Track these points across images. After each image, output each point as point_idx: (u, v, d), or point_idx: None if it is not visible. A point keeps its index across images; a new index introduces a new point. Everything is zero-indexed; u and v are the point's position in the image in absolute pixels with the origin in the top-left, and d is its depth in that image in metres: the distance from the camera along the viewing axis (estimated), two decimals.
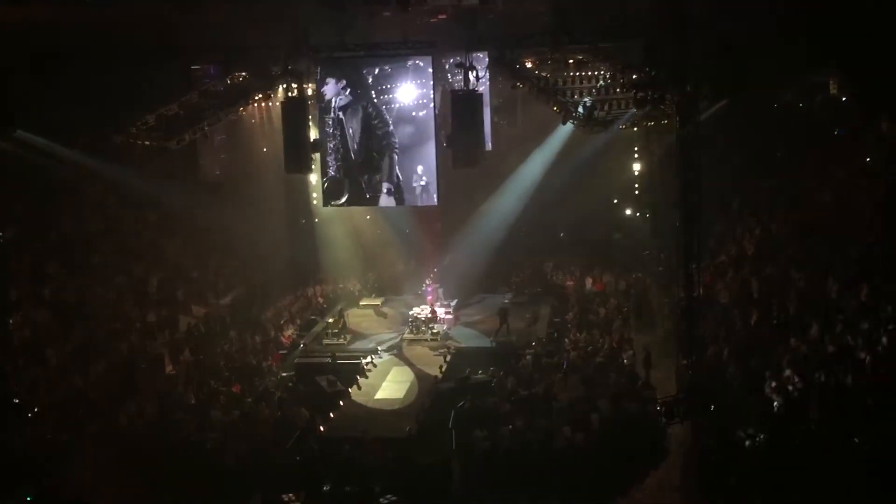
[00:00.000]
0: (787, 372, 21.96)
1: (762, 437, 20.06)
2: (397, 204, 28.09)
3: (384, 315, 34.48)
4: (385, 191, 26.75)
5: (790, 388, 21.41)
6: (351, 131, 26.36)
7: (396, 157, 26.26)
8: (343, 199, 27.42)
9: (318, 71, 26.39)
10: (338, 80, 26.08)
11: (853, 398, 20.08)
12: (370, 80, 25.88)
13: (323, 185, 27.61)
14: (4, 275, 24.80)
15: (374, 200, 27.39)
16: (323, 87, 26.33)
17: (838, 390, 20.57)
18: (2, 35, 23.60)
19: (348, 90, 26.17)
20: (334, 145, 26.53)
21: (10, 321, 24.88)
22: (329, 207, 30.43)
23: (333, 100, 26.32)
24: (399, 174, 26.45)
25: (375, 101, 25.99)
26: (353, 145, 26.42)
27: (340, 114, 26.32)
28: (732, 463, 19.91)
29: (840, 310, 24.22)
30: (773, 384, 21.78)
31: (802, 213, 30.24)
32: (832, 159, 31.60)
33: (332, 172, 26.91)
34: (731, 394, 22.98)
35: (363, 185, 26.76)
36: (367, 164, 26.56)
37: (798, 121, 33.64)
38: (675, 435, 23.18)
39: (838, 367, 21.34)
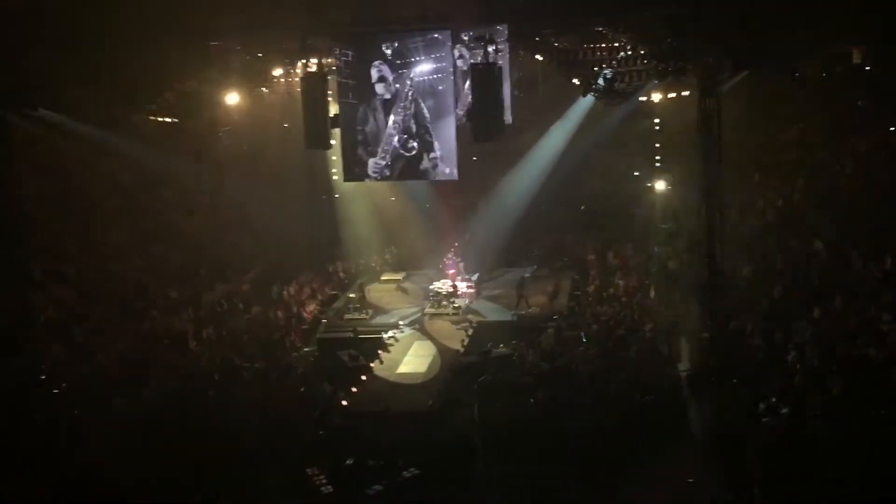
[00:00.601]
0: (811, 345, 21.89)
1: (784, 410, 20.01)
2: (417, 179, 28.03)
3: (405, 290, 34.54)
4: (405, 165, 26.65)
5: (813, 360, 21.35)
6: (372, 106, 26.25)
7: (415, 131, 26.14)
8: (364, 175, 27.35)
9: (339, 48, 26.25)
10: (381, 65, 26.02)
11: (875, 370, 19.99)
12: (389, 54, 25.75)
13: (344, 160, 27.54)
14: (27, 253, 24.94)
15: (395, 175, 27.31)
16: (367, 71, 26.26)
17: (860, 362, 20.49)
18: (22, 14, 23.66)
19: (367, 65, 26.04)
20: (355, 120, 26.40)
21: (35, 299, 25.04)
22: (349, 183, 30.47)
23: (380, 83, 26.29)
24: (419, 148, 26.34)
25: (395, 76, 25.87)
26: (374, 120, 26.32)
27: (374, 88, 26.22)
28: (754, 436, 19.88)
29: (863, 281, 24.10)
30: (796, 357, 21.72)
31: (824, 185, 30.04)
32: (854, 130, 31.34)
33: (354, 147, 26.80)
34: (753, 367, 22.92)
35: (384, 160, 26.68)
36: (387, 138, 26.47)
37: (819, 91, 33.32)
38: (695, 409, 23.15)
39: (861, 340, 21.26)
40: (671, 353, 25.66)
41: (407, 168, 26.70)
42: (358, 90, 26.13)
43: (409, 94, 25.84)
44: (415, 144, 26.19)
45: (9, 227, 24.27)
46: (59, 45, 24.20)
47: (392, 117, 26.10)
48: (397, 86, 25.80)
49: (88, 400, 23.97)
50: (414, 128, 26.07)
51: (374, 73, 25.78)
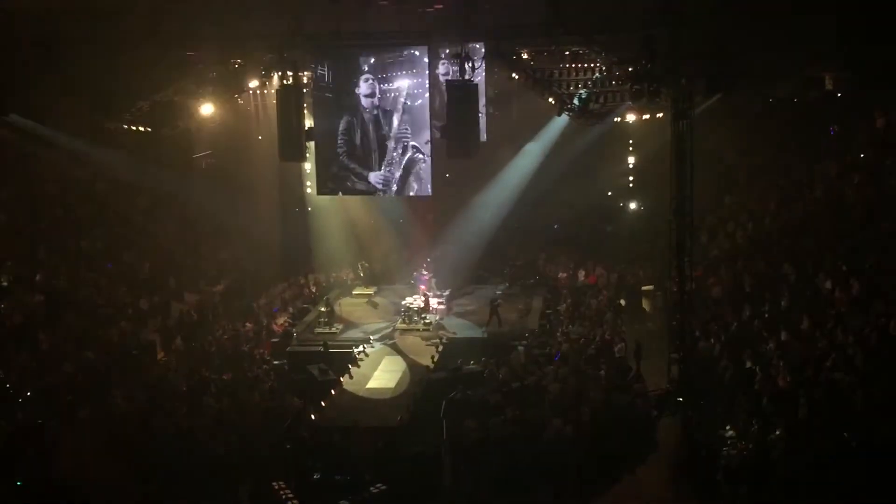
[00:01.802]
0: (778, 367, 22.05)
1: (752, 431, 20.13)
2: (392, 194, 28.02)
3: (377, 304, 34.47)
4: (379, 180, 26.67)
5: (780, 383, 21.51)
6: (347, 121, 26.23)
7: (390, 146, 26.16)
8: (337, 189, 27.34)
9: (316, 60, 26.25)
10: (333, 69, 25.98)
11: (843, 394, 20.17)
12: (365, 69, 25.78)
13: (318, 173, 27.52)
14: None
15: (368, 190, 27.30)
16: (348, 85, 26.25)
17: (827, 385, 20.66)
18: None
19: (346, 79, 26.04)
20: (332, 134, 26.37)
21: (2, 306, 24.80)
22: (322, 196, 30.39)
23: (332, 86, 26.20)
24: (393, 164, 26.37)
25: (372, 91, 25.89)
26: (352, 135, 26.29)
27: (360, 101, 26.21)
28: (721, 457, 19.99)
29: (831, 305, 24.33)
30: (764, 379, 21.89)
31: (795, 209, 30.34)
32: (825, 155, 31.71)
33: (328, 161, 26.77)
34: (721, 388, 23.06)
35: (358, 175, 26.67)
36: (362, 153, 26.45)
37: (792, 116, 33.68)
38: (665, 428, 23.26)
39: (828, 363, 21.45)
40: (640, 372, 25.76)
41: (380, 183, 26.74)
42: (336, 103, 26.11)
43: (390, 108, 25.88)
44: (389, 160, 26.21)
45: None
46: (33, 52, 24.07)
47: (367, 132, 26.12)
48: (380, 99, 25.81)
49: (53, 408, 23.77)
50: (389, 144, 26.11)
51: (364, 87, 25.77)
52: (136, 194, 34.04)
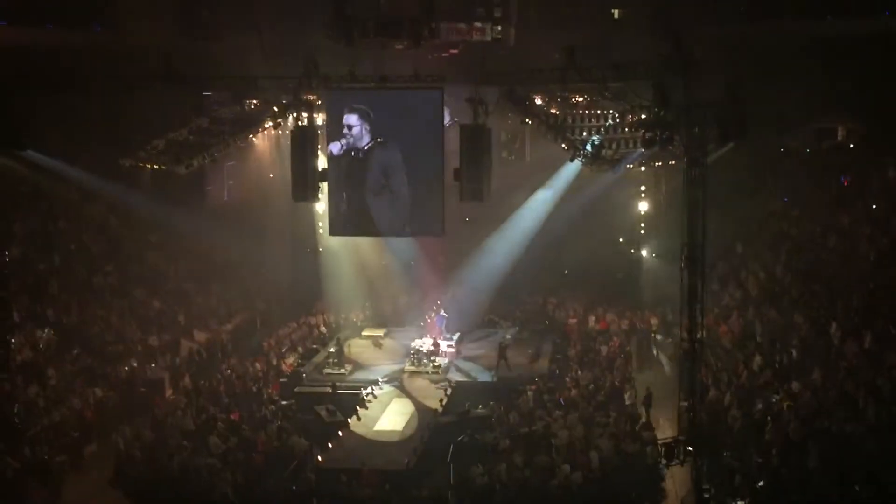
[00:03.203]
0: (789, 417, 21.91)
1: (761, 482, 19.96)
2: (404, 235, 28.02)
3: (386, 346, 34.41)
4: (391, 221, 26.69)
5: (791, 433, 21.35)
6: (361, 162, 26.27)
7: (405, 188, 26.21)
8: (350, 229, 27.38)
9: (331, 102, 26.38)
10: (351, 112, 26.00)
11: (854, 445, 20.01)
12: (381, 112, 25.88)
13: (330, 214, 27.57)
14: (7, 294, 24.79)
15: (380, 231, 27.33)
16: (340, 118, 26.21)
17: (838, 437, 20.50)
18: (17, 57, 23.80)
19: (361, 122, 26.13)
20: (345, 175, 26.42)
21: (13, 340, 24.82)
22: (334, 237, 30.42)
23: (349, 145, 26.18)
24: (407, 206, 26.40)
25: (385, 133, 25.95)
26: (363, 176, 26.32)
27: (355, 144, 26.16)
28: None
29: (843, 356, 24.21)
30: (774, 429, 21.73)
31: (807, 258, 30.29)
32: (837, 205, 31.70)
33: (340, 201, 26.82)
34: (731, 437, 22.90)
35: (371, 216, 26.70)
36: (376, 194, 26.51)
37: (804, 165, 33.74)
38: (674, 477, 23.06)
39: (838, 414, 21.30)
40: (650, 420, 25.61)
41: (392, 224, 26.76)
42: (350, 144, 26.15)
43: (398, 152, 25.93)
44: (404, 202, 26.22)
45: None
46: (50, 89, 24.30)
47: (381, 173, 26.16)
48: (388, 143, 25.86)
49: (61, 444, 23.73)
50: (404, 187, 26.14)
51: (365, 127, 25.81)
52: (149, 231, 34.18)
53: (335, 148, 25.45)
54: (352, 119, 25.49)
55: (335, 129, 25.94)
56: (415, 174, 26.02)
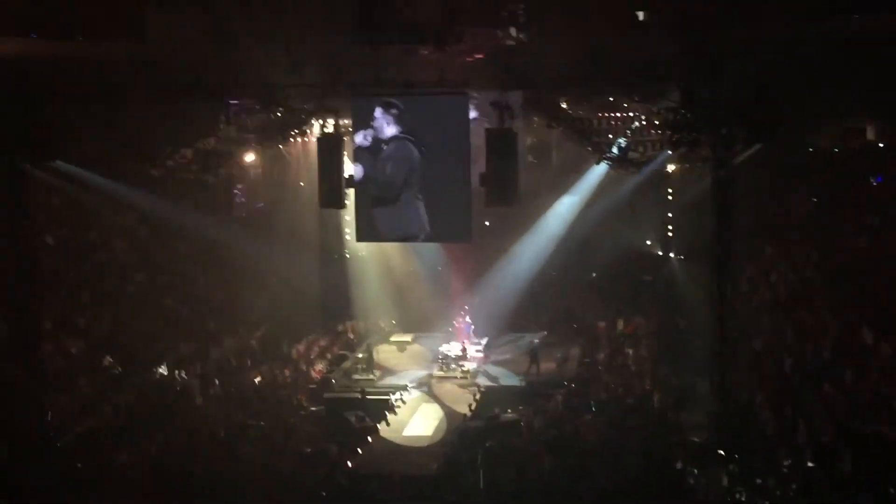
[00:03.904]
0: (821, 420, 21.72)
1: (793, 486, 19.80)
2: (432, 241, 27.97)
3: (414, 351, 34.45)
4: (420, 227, 26.65)
5: (823, 436, 21.16)
6: (389, 168, 26.25)
7: (431, 195, 26.14)
8: (377, 235, 27.38)
9: (357, 108, 26.40)
10: (380, 118, 25.94)
11: (888, 448, 19.81)
12: (406, 117, 25.85)
13: (357, 220, 27.58)
14: (39, 304, 25.02)
15: (409, 237, 27.33)
16: (367, 124, 26.18)
17: (872, 440, 20.30)
18: (47, 69, 24.03)
19: (384, 114, 26.05)
20: (373, 181, 26.41)
21: (44, 349, 25.05)
22: (362, 243, 30.49)
23: (373, 137, 26.12)
24: (434, 212, 26.34)
25: (412, 138, 25.91)
26: (391, 181, 26.29)
27: (383, 149, 26.11)
28: None
29: (875, 357, 23.98)
30: (806, 433, 21.55)
31: (837, 259, 30.02)
32: (868, 206, 31.40)
33: (368, 208, 26.80)
34: (762, 442, 22.73)
35: (400, 221, 26.67)
36: (404, 200, 26.48)
37: (834, 166, 33.45)
38: (704, 481, 22.91)
39: (873, 417, 21.09)
40: (680, 424, 25.45)
41: (421, 230, 26.68)
42: (373, 150, 26.13)
43: (424, 157, 25.86)
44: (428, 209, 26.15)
45: (24, 278, 24.33)
46: (79, 99, 24.52)
47: (409, 179, 26.09)
48: (415, 148, 25.80)
49: (92, 453, 23.91)
50: (430, 193, 26.06)
51: (392, 135, 25.75)
52: (178, 240, 34.42)
53: (359, 137, 25.44)
54: (377, 112, 25.51)
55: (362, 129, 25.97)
56: (442, 179, 25.97)
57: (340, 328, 36.14)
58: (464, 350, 31.86)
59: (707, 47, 22.00)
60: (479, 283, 36.49)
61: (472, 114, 25.98)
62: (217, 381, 29.50)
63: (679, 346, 32.85)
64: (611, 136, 26.30)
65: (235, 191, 35.47)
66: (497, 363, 32.44)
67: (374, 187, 25.96)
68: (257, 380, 29.86)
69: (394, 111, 25.27)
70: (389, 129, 25.19)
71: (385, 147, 25.38)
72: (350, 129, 26.71)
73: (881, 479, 18.93)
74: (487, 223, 34.75)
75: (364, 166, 25.79)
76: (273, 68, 24.78)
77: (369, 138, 25.27)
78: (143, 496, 21.91)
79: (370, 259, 36.46)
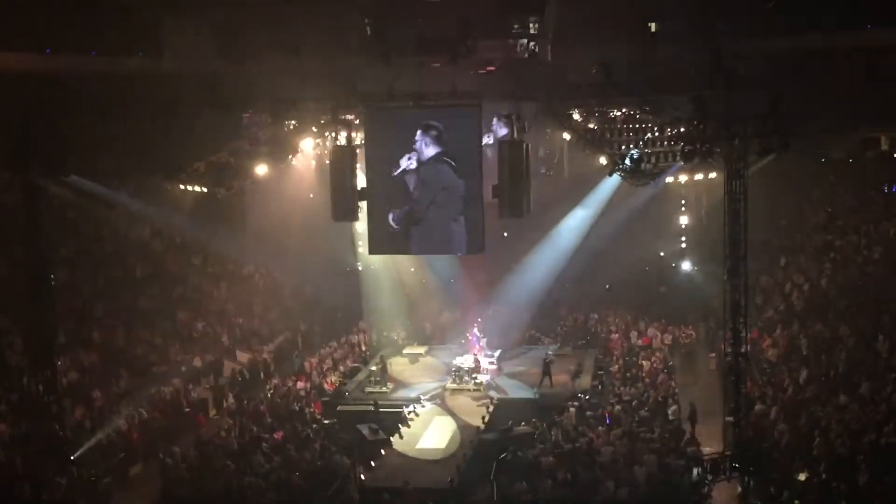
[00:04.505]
0: (837, 432, 21.60)
1: (810, 497, 19.68)
2: (444, 253, 27.95)
3: (427, 364, 34.40)
4: (431, 238, 26.61)
5: (839, 448, 21.04)
6: (419, 191, 26.15)
7: (444, 206, 26.12)
8: (391, 247, 27.36)
9: (367, 120, 26.41)
10: (420, 140, 25.88)
11: None
12: (418, 130, 25.85)
13: (370, 232, 27.58)
14: (54, 317, 25.12)
15: (420, 249, 27.30)
16: (381, 136, 26.15)
17: (888, 451, 20.18)
18: (61, 84, 24.18)
19: (428, 148, 25.97)
20: (385, 193, 26.41)
21: (59, 362, 25.13)
22: (374, 255, 30.47)
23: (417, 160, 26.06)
24: (446, 223, 26.31)
25: (452, 161, 25.80)
26: (418, 201, 26.23)
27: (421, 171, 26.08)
28: None
29: (891, 368, 23.85)
30: (822, 444, 21.42)
31: (852, 270, 29.92)
32: (882, 216, 31.31)
33: (382, 220, 26.78)
34: (778, 452, 22.61)
35: (411, 233, 26.65)
36: (414, 212, 26.46)
37: (848, 176, 33.36)
38: (720, 493, 22.81)
39: (888, 427, 20.97)
40: (695, 435, 25.35)
41: (431, 242, 26.68)
42: (387, 162, 26.11)
43: (436, 170, 25.83)
44: (444, 220, 26.10)
45: (39, 291, 24.44)
46: (94, 114, 24.65)
47: (420, 191, 26.06)
48: (426, 160, 25.77)
49: (107, 465, 23.96)
50: (443, 204, 26.01)
51: (432, 150, 25.68)
52: (192, 253, 34.51)
53: (404, 161, 25.44)
54: (418, 134, 25.49)
55: (375, 147, 25.97)
56: (454, 192, 25.95)
57: (354, 340, 36.15)
58: (477, 362, 31.79)
59: (721, 59, 21.96)
60: (492, 295, 36.47)
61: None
62: (231, 394, 29.52)
63: (693, 358, 32.83)
64: (623, 147, 26.30)
65: (248, 205, 35.53)
66: (510, 375, 32.35)
67: (393, 205, 26.00)
68: (270, 392, 29.86)
69: (433, 132, 25.25)
70: (429, 150, 25.16)
71: (423, 168, 25.43)
72: (361, 142, 26.74)
73: None
74: (506, 234, 34.84)
75: (384, 187, 25.84)
76: (286, 81, 24.86)
77: (414, 161, 25.30)
78: None
79: (383, 271, 36.48)
